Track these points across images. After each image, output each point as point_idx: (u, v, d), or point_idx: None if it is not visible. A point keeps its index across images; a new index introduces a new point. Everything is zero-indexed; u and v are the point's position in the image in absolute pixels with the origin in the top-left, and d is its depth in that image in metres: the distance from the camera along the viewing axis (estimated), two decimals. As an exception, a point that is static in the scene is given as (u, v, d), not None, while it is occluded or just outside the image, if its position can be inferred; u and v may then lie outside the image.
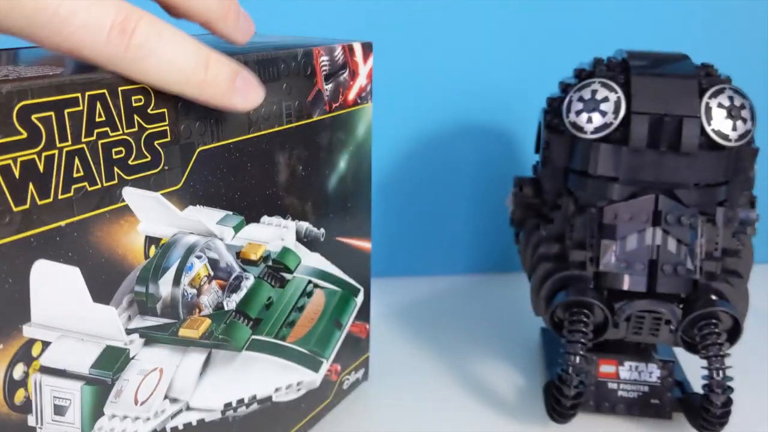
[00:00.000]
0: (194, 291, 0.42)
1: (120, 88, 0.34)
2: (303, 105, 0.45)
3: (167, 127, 0.37)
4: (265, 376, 0.46)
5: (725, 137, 0.50)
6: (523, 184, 0.58)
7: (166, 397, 0.40)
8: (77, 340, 0.36)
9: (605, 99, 0.51)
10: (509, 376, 0.60)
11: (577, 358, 0.50)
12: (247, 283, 0.44)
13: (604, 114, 0.51)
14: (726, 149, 0.50)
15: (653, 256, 0.50)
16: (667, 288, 0.50)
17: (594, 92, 0.51)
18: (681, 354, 0.60)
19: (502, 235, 0.72)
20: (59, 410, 0.36)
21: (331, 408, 0.52)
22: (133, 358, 0.39)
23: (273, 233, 0.45)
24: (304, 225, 0.47)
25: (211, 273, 0.42)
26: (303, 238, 0.47)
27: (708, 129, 0.50)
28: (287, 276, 0.46)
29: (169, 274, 0.40)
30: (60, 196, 0.33)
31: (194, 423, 0.42)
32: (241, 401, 0.44)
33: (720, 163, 0.51)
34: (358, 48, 0.48)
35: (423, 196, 0.76)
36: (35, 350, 0.34)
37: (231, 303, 0.43)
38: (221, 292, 0.43)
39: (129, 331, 0.38)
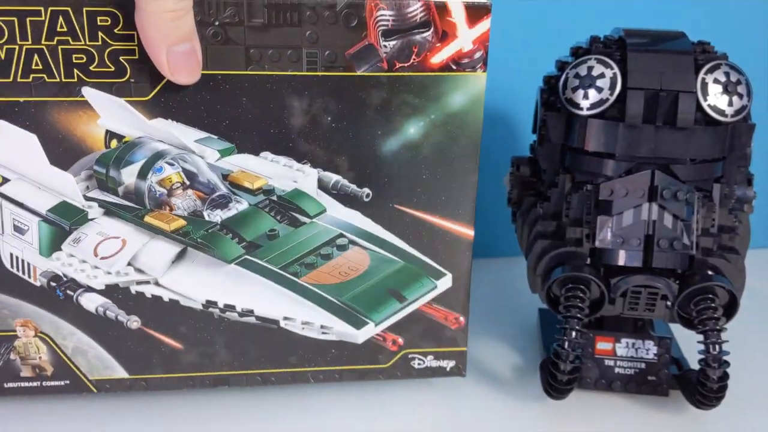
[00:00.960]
0: (164, 190, 0.45)
1: (85, 9, 0.41)
2: (337, 56, 0.43)
3: (135, 47, 0.42)
4: (266, 299, 0.46)
5: (721, 112, 0.49)
6: (520, 163, 0.56)
7: (130, 264, 0.45)
8: (35, 187, 0.44)
9: (601, 75, 0.49)
10: (507, 356, 0.57)
11: (573, 334, 0.47)
12: (239, 206, 0.46)
13: (600, 90, 0.49)
14: (722, 125, 0.49)
15: (649, 232, 0.48)
16: (663, 263, 0.48)
17: (590, 69, 0.49)
18: (678, 332, 0.57)
19: (500, 218, 0.72)
20: (18, 230, 0.45)
21: (390, 377, 0.49)
22: (92, 219, 0.45)
23: (280, 171, 0.45)
24: (334, 177, 0.45)
25: (186, 182, 0.45)
26: (331, 190, 0.46)
27: (704, 104, 0.48)
28: (303, 218, 0.46)
29: (134, 167, 0.44)
30: (19, 79, 0.42)
31: (166, 299, 0.46)
32: (230, 306, 0.46)
33: (716, 138, 0.49)
34: (457, 7, 0.43)
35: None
36: None
37: (215, 217, 0.45)
38: (200, 202, 0.45)
39: (87, 198, 0.45)
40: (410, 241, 0.48)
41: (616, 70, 0.49)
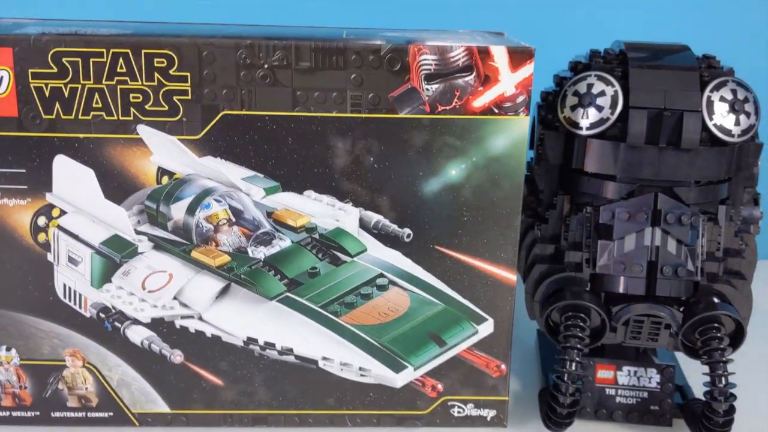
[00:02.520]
0: (210, 227, 0.46)
1: (143, 51, 0.43)
2: (381, 99, 0.43)
3: (188, 87, 0.43)
4: (306, 338, 0.46)
5: (728, 132, 0.45)
6: (522, 184, 0.55)
7: (176, 298, 0.46)
8: (90, 219, 0.46)
9: (602, 93, 0.46)
10: None
11: (573, 365, 0.45)
12: (282, 243, 0.46)
13: (600, 109, 0.46)
14: (728, 145, 0.44)
15: (652, 258, 0.44)
16: (666, 291, 0.44)
17: (590, 86, 0.46)
18: (681, 357, 0.54)
19: None
20: (72, 261, 0.46)
21: (429, 424, 0.48)
22: (141, 253, 0.46)
23: (322, 210, 0.45)
24: (375, 217, 0.45)
25: (233, 219, 0.46)
26: (372, 230, 0.45)
27: (710, 124, 0.44)
28: (344, 257, 0.46)
29: (183, 203, 0.46)
30: (80, 117, 0.43)
31: (208, 335, 0.46)
32: (270, 344, 0.46)
33: (722, 159, 0.45)
34: (500, 52, 0.43)
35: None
36: (55, 212, 0.46)
37: (258, 254, 0.46)
38: (244, 239, 0.46)
39: (138, 233, 0.47)
40: (451, 283, 0.46)
41: (618, 87, 0.46)
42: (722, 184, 0.46)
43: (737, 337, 0.45)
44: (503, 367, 0.48)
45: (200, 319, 0.46)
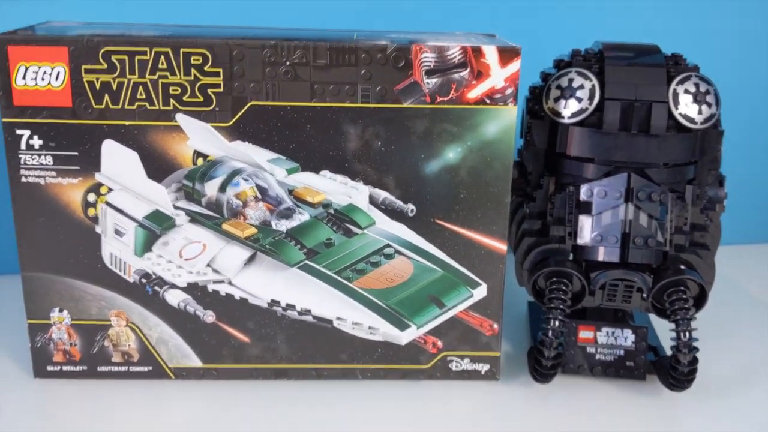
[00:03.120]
0: (239, 202, 0.51)
1: (181, 49, 0.48)
2: (387, 91, 0.48)
3: (221, 81, 0.48)
4: (322, 300, 0.51)
5: (691, 120, 0.51)
6: (511, 165, 0.61)
7: (209, 265, 0.51)
8: (134, 196, 0.51)
9: (581, 86, 0.52)
10: None
11: (556, 323, 0.50)
12: (302, 217, 0.52)
13: (579, 100, 0.52)
14: (692, 131, 0.51)
15: (626, 230, 0.50)
16: (638, 259, 0.50)
17: (571, 80, 0.52)
18: (656, 322, 0.60)
19: None
20: (118, 233, 0.52)
21: (430, 377, 0.54)
22: (179, 226, 0.52)
23: (337, 188, 0.51)
24: (382, 194, 0.51)
25: (259, 195, 0.52)
26: (380, 205, 0.51)
27: (675, 113, 0.50)
28: (356, 230, 0.52)
29: (215, 182, 0.51)
30: (126, 107, 0.49)
31: (237, 297, 0.52)
32: (291, 306, 0.52)
33: (687, 144, 0.51)
34: (491, 50, 0.48)
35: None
36: (103, 190, 0.51)
37: (281, 226, 0.51)
38: (269, 213, 0.51)
39: (176, 207, 0.52)
40: (449, 252, 0.52)
41: (595, 82, 0.52)
42: (688, 166, 0.52)
43: (701, 300, 0.51)
44: (495, 326, 0.54)
45: (230, 283, 0.51)
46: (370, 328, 0.52)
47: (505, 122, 0.50)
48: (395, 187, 0.51)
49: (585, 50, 0.55)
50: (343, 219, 0.52)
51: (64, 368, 0.53)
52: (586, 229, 0.51)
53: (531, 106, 0.55)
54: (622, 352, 0.54)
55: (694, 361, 0.50)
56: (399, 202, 0.51)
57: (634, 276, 0.50)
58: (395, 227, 0.52)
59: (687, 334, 0.50)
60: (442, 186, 0.51)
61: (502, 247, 0.52)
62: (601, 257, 0.51)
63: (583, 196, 0.51)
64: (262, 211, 0.52)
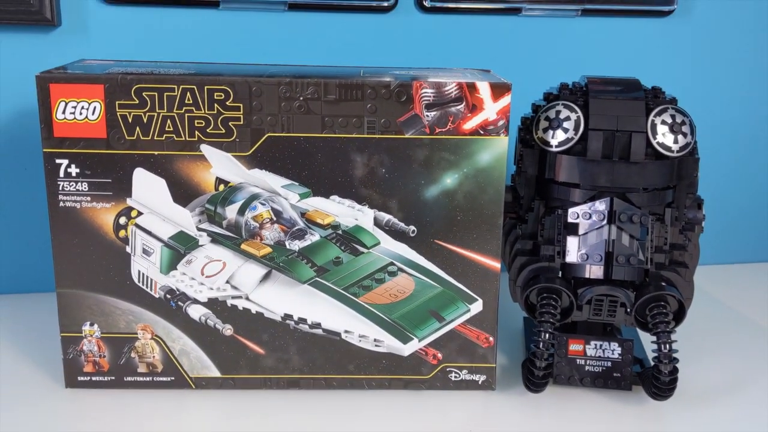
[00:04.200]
0: (256, 224, 0.55)
1: (206, 86, 0.52)
2: (391, 123, 0.52)
3: (241, 115, 0.52)
4: (331, 314, 0.55)
5: (668, 149, 0.55)
6: (503, 191, 0.65)
7: (228, 282, 0.55)
8: (161, 219, 0.55)
9: (567, 118, 0.56)
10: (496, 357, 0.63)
11: (547, 336, 0.54)
12: (312, 238, 0.55)
13: (566, 131, 0.56)
14: (669, 159, 0.55)
15: (610, 250, 0.54)
16: (621, 276, 0.54)
17: (558, 112, 0.56)
18: (643, 337, 0.63)
19: None
20: (146, 252, 0.56)
21: (431, 387, 0.57)
22: (201, 246, 0.55)
23: (344, 211, 0.54)
24: (386, 216, 0.54)
25: (274, 218, 0.55)
26: (384, 227, 0.55)
27: (654, 142, 0.55)
28: (362, 249, 0.55)
29: (235, 206, 0.55)
30: (155, 138, 0.53)
31: (253, 311, 0.55)
32: (303, 319, 0.55)
33: (665, 170, 0.55)
34: (484, 86, 0.52)
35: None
36: (133, 213, 0.55)
37: (294, 246, 0.55)
38: (283, 234, 0.55)
39: (199, 230, 0.55)
40: (447, 270, 0.55)
41: (580, 113, 0.56)
42: (667, 190, 0.56)
43: (680, 314, 0.55)
44: (491, 339, 0.57)
45: (247, 299, 0.55)
46: (375, 340, 0.56)
47: (497, 151, 0.54)
48: (398, 210, 0.54)
49: (572, 84, 0.59)
50: (350, 239, 0.55)
51: (94, 378, 0.56)
52: (573, 249, 0.55)
53: (522, 136, 0.59)
54: (609, 364, 0.58)
55: (675, 371, 0.54)
56: (401, 224, 0.55)
57: (618, 292, 0.54)
58: (398, 247, 0.55)
59: (667, 346, 0.53)
60: (441, 209, 0.54)
61: (496, 264, 0.56)
62: (587, 274, 0.55)
63: (570, 219, 0.55)
64: (276, 232, 0.55)
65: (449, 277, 0.56)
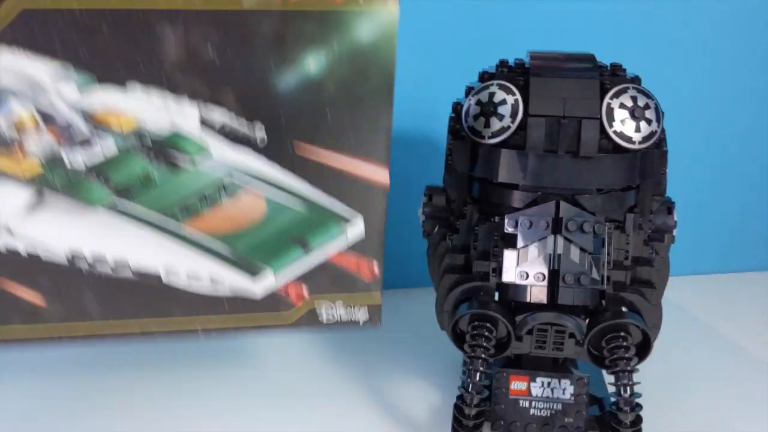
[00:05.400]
0: (14, 133, 0.40)
1: None
2: None
3: None
4: (142, 248, 0.42)
5: (628, 139, 0.43)
6: (433, 193, 0.50)
7: None
8: None
9: (503, 102, 0.45)
10: (425, 394, 0.52)
11: (478, 375, 0.44)
12: (105, 147, 0.41)
13: (501, 118, 0.45)
14: (630, 152, 0.44)
15: (555, 267, 0.43)
16: (569, 299, 0.43)
17: (491, 95, 0.45)
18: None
19: (421, 248, 0.69)
20: None
21: (294, 329, 0.45)
22: None
23: (152, 109, 0.41)
24: (219, 114, 0.41)
25: (41, 123, 0.41)
26: (216, 129, 0.41)
27: (609, 131, 0.43)
28: (182, 160, 0.42)
29: None
30: None
31: (23, 254, 0.42)
32: (100, 258, 0.42)
33: (624, 166, 0.44)
34: None
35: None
36: None
37: (77, 161, 0.41)
38: (59, 144, 0.41)
39: None
40: (315, 183, 0.43)
41: (518, 96, 0.45)
42: (628, 191, 0.45)
43: (644, 347, 0.44)
44: (376, 268, 0.45)
45: (10, 233, 0.41)
46: (212, 280, 0.42)
47: (382, 23, 0.40)
48: (236, 106, 0.41)
49: (514, 60, 0.48)
50: (164, 147, 0.42)
51: None
52: (512, 265, 0.44)
53: (453, 125, 0.48)
54: (559, 406, 0.47)
55: (638, 420, 0.42)
56: (243, 127, 0.41)
57: (565, 320, 0.43)
58: (238, 156, 0.42)
59: (628, 389, 0.42)
60: (301, 103, 0.41)
61: (383, 173, 0.43)
62: (527, 297, 0.44)
63: (507, 228, 0.44)
64: (47, 143, 0.41)
65: (317, 192, 0.43)
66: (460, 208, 0.47)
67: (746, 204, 0.75)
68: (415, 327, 0.60)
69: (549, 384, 0.46)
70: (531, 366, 0.47)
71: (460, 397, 0.43)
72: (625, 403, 0.42)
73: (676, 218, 0.47)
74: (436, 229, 0.50)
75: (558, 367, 0.48)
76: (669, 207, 0.47)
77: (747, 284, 0.71)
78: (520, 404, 0.47)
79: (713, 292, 0.70)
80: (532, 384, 0.47)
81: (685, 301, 0.66)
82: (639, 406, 0.42)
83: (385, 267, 0.67)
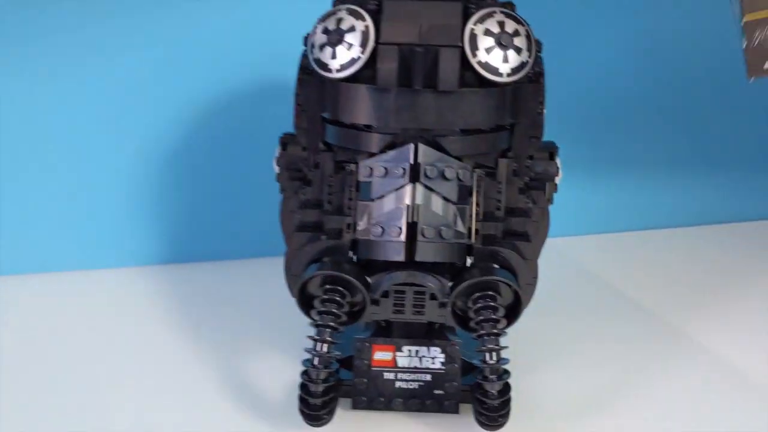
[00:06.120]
0: None
1: None
2: None
3: None
4: None
5: (494, 71, 0.37)
6: (289, 141, 0.44)
7: None
8: None
9: (351, 29, 0.37)
10: (279, 371, 0.46)
11: (325, 347, 0.38)
12: None
13: (349, 47, 0.37)
14: (498, 86, 0.38)
15: (413, 219, 0.38)
16: (429, 255, 0.37)
17: (339, 21, 0.38)
18: None
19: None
20: None
21: None
22: None
23: None
24: None
25: None
26: None
27: (473, 61, 0.37)
28: None
29: None
30: None
31: None
32: None
33: (492, 103, 0.38)
34: None
35: (219, 166, 0.62)
36: None
37: None
38: None
39: None
40: None
41: (369, 22, 0.38)
42: (499, 133, 0.40)
43: (515, 309, 0.39)
44: None
45: None
46: None
47: None
48: None
49: None
50: None
51: None
52: (366, 219, 0.38)
53: (302, 60, 0.42)
54: (428, 378, 0.41)
55: (506, 389, 0.38)
56: None
57: (424, 279, 0.38)
58: None
59: (494, 354, 0.37)
60: None
61: None
62: (383, 255, 0.38)
63: (361, 176, 0.38)
64: None
65: None
66: (314, 157, 0.41)
67: (637, 162, 0.71)
68: (274, 297, 0.53)
69: (417, 353, 0.41)
70: (402, 335, 0.42)
71: (305, 373, 0.38)
72: (491, 371, 0.37)
73: (559, 165, 0.42)
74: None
75: (433, 334, 0.43)
76: (551, 152, 0.42)
77: (646, 242, 0.68)
78: (385, 377, 0.41)
79: (616, 251, 0.66)
80: (398, 354, 0.41)
81: (583, 260, 0.63)
82: (507, 373, 0.37)
83: (244, 233, 0.61)
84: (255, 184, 0.55)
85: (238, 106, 0.61)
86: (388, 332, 0.42)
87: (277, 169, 0.44)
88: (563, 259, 0.61)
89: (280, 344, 0.48)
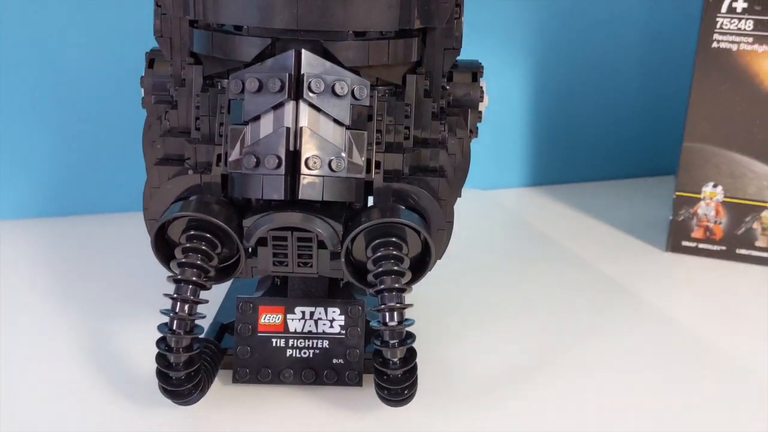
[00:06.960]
0: None
1: None
2: None
3: None
4: None
5: None
6: (156, 57, 0.35)
7: None
8: None
9: None
10: (151, 341, 0.35)
11: (187, 307, 0.30)
12: None
13: None
14: None
15: (296, 146, 0.30)
16: (316, 193, 0.30)
17: None
18: None
19: None
20: None
21: None
22: None
23: None
24: None
25: None
26: None
27: None
28: None
29: None
30: None
31: None
32: None
33: (393, 1, 0.30)
34: None
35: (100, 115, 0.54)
36: None
37: None
38: None
39: None
40: None
41: None
42: (405, 39, 0.32)
43: (423, 261, 0.32)
44: None
45: None
46: None
47: None
48: None
49: None
50: None
51: (701, 245, 0.50)
52: (237, 148, 0.31)
53: None
54: (326, 344, 0.34)
55: (411, 357, 0.31)
56: None
57: (310, 222, 0.30)
58: None
59: (396, 314, 0.30)
60: None
61: None
62: (258, 193, 0.30)
63: (231, 92, 0.31)
64: None
65: None
66: (179, 72, 0.33)
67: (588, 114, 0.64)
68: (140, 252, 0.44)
69: (312, 315, 0.34)
70: (299, 295, 0.35)
71: (162, 341, 0.30)
72: (392, 334, 0.30)
73: (484, 87, 0.35)
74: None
75: (336, 294, 0.36)
76: (474, 72, 0.35)
77: (589, 193, 0.62)
78: (273, 344, 0.34)
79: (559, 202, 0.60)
80: (289, 316, 0.34)
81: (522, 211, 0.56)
82: (411, 337, 0.30)
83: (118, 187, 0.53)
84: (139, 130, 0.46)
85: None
86: (284, 292, 0.35)
87: (142, 91, 0.36)
88: (499, 210, 0.55)
89: (156, 305, 0.40)
